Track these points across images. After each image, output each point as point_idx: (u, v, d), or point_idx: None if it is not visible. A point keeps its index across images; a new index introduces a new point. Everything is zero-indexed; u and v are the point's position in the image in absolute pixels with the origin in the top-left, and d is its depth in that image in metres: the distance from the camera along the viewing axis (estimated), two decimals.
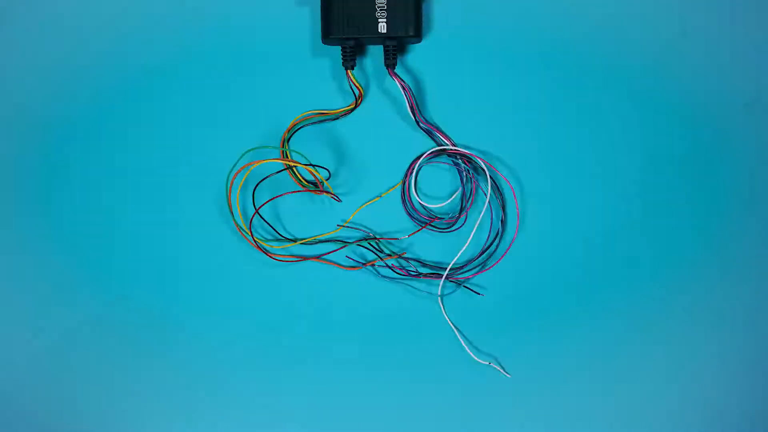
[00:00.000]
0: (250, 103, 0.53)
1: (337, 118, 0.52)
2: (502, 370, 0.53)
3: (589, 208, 0.53)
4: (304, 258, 0.52)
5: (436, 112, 0.53)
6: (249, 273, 0.53)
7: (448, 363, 0.53)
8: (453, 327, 0.52)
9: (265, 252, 0.52)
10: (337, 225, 0.52)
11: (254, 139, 0.52)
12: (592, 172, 0.53)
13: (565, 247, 0.53)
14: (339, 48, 0.51)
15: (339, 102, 0.53)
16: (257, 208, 0.51)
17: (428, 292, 0.53)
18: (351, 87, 0.51)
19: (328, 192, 0.51)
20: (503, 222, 0.52)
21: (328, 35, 0.49)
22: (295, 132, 0.52)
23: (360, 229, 0.53)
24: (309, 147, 0.52)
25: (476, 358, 0.52)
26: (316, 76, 0.53)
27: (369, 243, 0.52)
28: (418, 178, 0.53)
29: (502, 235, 0.53)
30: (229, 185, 0.51)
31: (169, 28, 0.53)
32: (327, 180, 0.51)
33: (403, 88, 0.51)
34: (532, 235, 0.53)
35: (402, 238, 0.52)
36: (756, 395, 0.53)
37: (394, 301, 0.53)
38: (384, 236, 0.53)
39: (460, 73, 0.53)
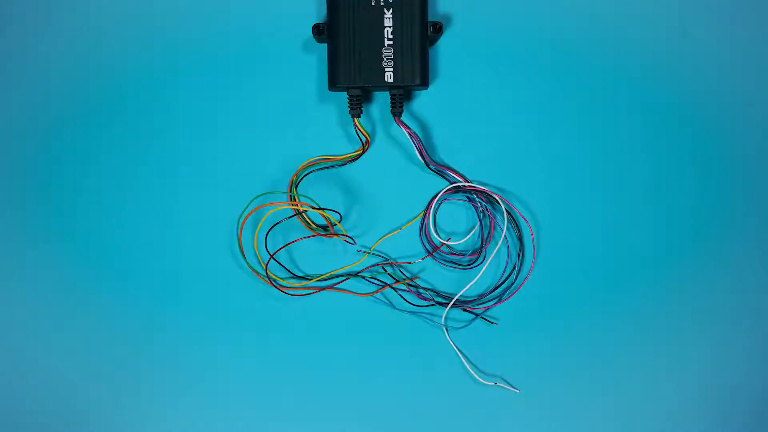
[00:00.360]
0: (257, 148, 0.52)
1: (344, 164, 0.52)
2: (510, 387, 0.53)
3: (591, 215, 0.53)
4: (320, 289, 0.52)
5: (445, 153, 0.53)
6: (263, 308, 0.53)
7: (454, 387, 0.53)
8: (458, 352, 0.52)
9: (281, 288, 0.52)
10: (358, 251, 0.52)
11: (261, 184, 0.52)
12: (592, 174, 0.53)
13: (571, 265, 0.53)
14: (345, 93, 0.51)
15: (346, 147, 0.53)
16: (271, 254, 0.51)
17: (431, 320, 0.53)
18: (357, 134, 0.51)
19: (340, 234, 0.51)
20: (520, 256, 0.53)
21: (334, 83, 0.49)
22: (302, 178, 0.52)
23: (380, 263, 0.53)
24: (318, 191, 0.52)
25: (482, 381, 0.52)
26: (323, 121, 0.52)
27: (384, 269, 0.52)
28: (436, 216, 0.53)
29: (520, 269, 0.53)
30: (239, 230, 0.51)
31: (174, 68, 0.53)
32: (339, 222, 0.52)
33: (410, 135, 0.51)
34: (543, 259, 0.53)
35: (416, 261, 0.52)
36: (756, 395, 0.53)
37: (400, 325, 0.53)
38: (402, 270, 0.53)
39: (468, 115, 0.53)
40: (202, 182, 0.52)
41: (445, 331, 0.53)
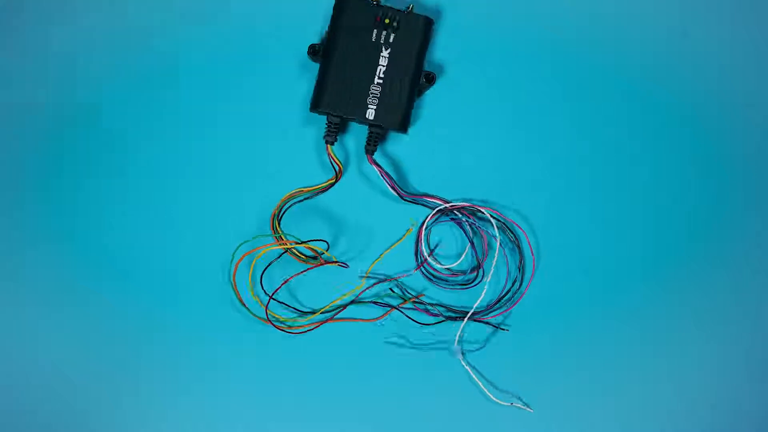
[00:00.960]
0: (254, 148, 0.53)
1: (317, 194, 0.52)
2: (525, 407, 0.52)
3: (590, 215, 0.53)
4: (322, 322, 0.52)
5: (421, 184, 0.53)
6: (268, 349, 0.52)
7: (468, 408, 0.52)
8: (471, 373, 0.52)
9: (282, 328, 0.51)
10: (359, 276, 0.52)
11: (258, 182, 0.52)
12: (592, 174, 0.53)
13: (572, 266, 0.53)
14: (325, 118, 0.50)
15: (320, 173, 0.52)
16: (270, 295, 0.51)
17: (442, 341, 0.52)
18: (330, 162, 0.51)
19: (331, 262, 0.51)
20: (520, 263, 0.52)
21: (316, 107, 0.49)
22: (284, 213, 0.52)
23: (379, 281, 0.53)
24: (302, 223, 0.52)
25: (497, 400, 0.52)
26: (302, 144, 0.53)
27: (392, 289, 0.52)
28: (429, 243, 0.53)
29: (522, 279, 0.52)
30: (233, 279, 0.51)
31: (174, 70, 0.53)
32: (327, 251, 0.51)
33: (381, 173, 0.51)
34: (545, 263, 0.53)
35: (409, 274, 0.52)
36: (756, 395, 0.53)
37: (408, 347, 0.52)
38: (405, 290, 0.52)
39: (444, 157, 0.53)
40: (202, 182, 0.52)
41: (459, 351, 0.52)
